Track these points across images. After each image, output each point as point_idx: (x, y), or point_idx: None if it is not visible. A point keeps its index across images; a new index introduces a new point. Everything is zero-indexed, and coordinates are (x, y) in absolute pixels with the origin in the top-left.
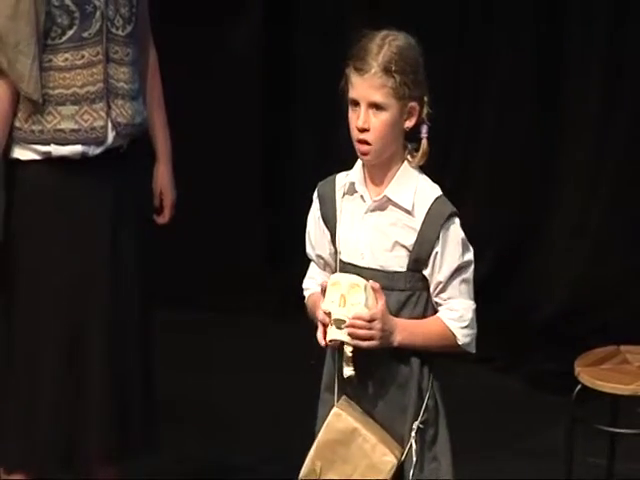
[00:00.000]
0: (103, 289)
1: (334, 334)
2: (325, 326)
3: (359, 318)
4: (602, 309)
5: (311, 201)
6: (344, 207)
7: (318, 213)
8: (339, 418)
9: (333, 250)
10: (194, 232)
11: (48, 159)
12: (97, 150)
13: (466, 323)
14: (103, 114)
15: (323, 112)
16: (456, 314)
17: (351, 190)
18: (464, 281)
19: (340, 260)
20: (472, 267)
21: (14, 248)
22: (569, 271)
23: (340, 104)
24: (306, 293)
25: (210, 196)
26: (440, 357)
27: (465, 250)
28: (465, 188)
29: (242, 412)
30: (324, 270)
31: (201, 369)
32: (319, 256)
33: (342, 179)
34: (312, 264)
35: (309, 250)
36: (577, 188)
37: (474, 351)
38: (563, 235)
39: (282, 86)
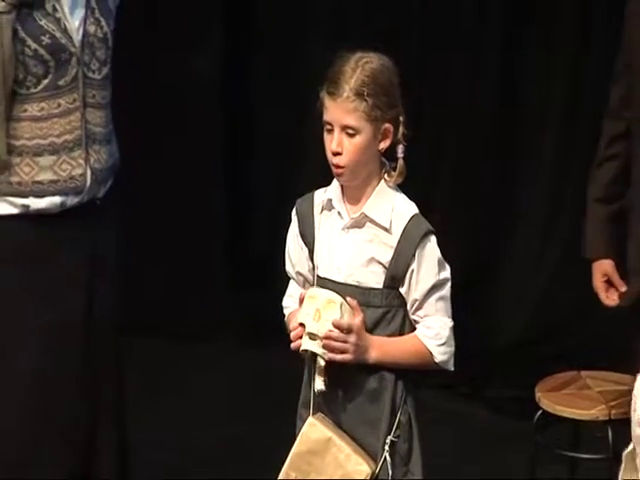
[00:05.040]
0: (77, 343)
1: (307, 345)
2: (298, 337)
3: (337, 326)
4: (563, 334)
5: (275, 229)
6: (322, 223)
7: (297, 230)
8: (313, 428)
9: (311, 266)
10: (159, 258)
11: (25, 213)
12: (75, 199)
13: (443, 341)
14: (82, 161)
15: (283, 140)
16: (432, 332)
17: (329, 206)
18: (440, 299)
19: (317, 275)
20: (449, 285)
21: None
22: (529, 297)
23: (300, 134)
24: (286, 311)
25: (175, 224)
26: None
27: (441, 268)
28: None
29: (207, 439)
30: (303, 287)
31: (169, 396)
32: (299, 273)
33: (320, 195)
34: (291, 282)
35: (288, 268)
36: (538, 217)
37: (452, 369)
38: (524, 261)
39: (244, 117)
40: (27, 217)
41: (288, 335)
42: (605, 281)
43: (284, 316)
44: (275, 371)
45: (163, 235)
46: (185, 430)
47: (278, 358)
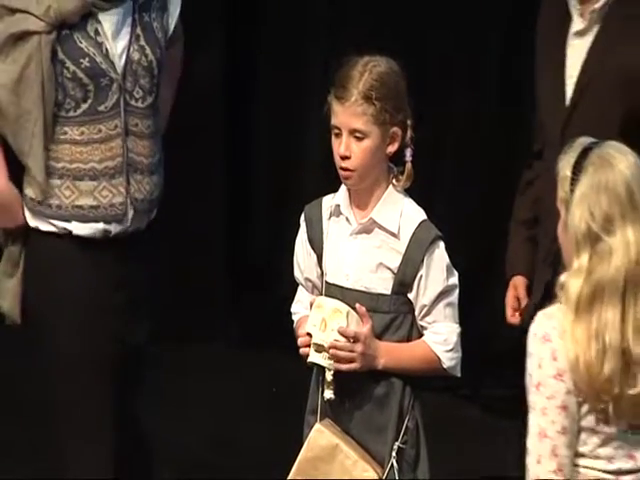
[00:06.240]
0: (112, 364)
1: (313, 357)
2: (305, 345)
3: (343, 334)
4: None
5: (275, 233)
6: (330, 229)
7: (305, 236)
8: (321, 435)
9: (320, 272)
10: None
11: (68, 234)
12: (118, 228)
13: (451, 346)
14: (122, 190)
15: (284, 143)
16: (441, 337)
17: (337, 212)
18: (448, 305)
19: (325, 281)
20: (456, 291)
21: (32, 318)
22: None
23: (302, 135)
24: (294, 317)
25: (174, 228)
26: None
27: (449, 274)
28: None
29: (207, 443)
30: (312, 293)
31: (166, 399)
32: (307, 279)
33: (328, 201)
34: (300, 288)
35: (297, 274)
36: None
37: (459, 374)
38: None
39: (244, 117)
40: (69, 237)
41: (296, 341)
42: (516, 297)
43: (292, 322)
44: (276, 375)
45: (162, 238)
46: (184, 434)
47: (278, 362)
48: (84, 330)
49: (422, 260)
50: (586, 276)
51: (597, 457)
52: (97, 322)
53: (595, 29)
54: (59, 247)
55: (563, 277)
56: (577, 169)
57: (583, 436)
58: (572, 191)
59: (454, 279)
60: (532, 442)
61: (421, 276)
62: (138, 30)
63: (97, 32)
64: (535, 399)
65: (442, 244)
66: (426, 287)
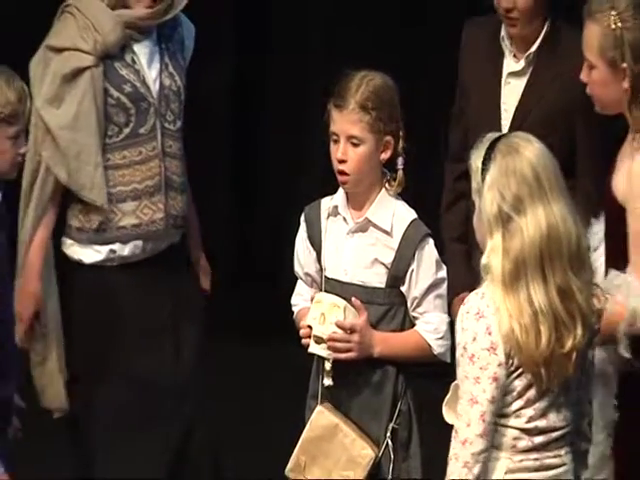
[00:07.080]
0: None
1: (313, 349)
2: (306, 337)
3: (340, 326)
4: None
5: (275, 227)
6: (328, 228)
7: (305, 234)
8: (322, 416)
9: (319, 268)
10: None
11: (109, 260)
12: (155, 244)
13: (441, 335)
14: (162, 206)
15: (287, 148)
16: (431, 326)
17: (334, 212)
18: (438, 296)
19: (325, 276)
20: (445, 283)
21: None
22: None
23: (304, 142)
24: (295, 309)
25: None
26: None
27: (439, 268)
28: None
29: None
30: (311, 287)
31: None
32: (307, 274)
33: (327, 202)
34: (299, 282)
35: (297, 269)
36: None
37: (449, 360)
38: None
39: (252, 125)
40: (111, 262)
41: (297, 332)
42: None
43: (293, 313)
44: (278, 362)
45: None
46: None
47: (279, 349)
48: (139, 355)
49: (413, 256)
50: (504, 254)
51: (518, 417)
52: (150, 344)
53: (530, 70)
54: (102, 276)
55: (484, 259)
56: (487, 159)
57: (509, 399)
58: (484, 180)
59: (443, 272)
60: (463, 407)
61: (412, 270)
62: (166, 59)
63: (133, 60)
64: (469, 369)
65: (431, 241)
66: (417, 280)
